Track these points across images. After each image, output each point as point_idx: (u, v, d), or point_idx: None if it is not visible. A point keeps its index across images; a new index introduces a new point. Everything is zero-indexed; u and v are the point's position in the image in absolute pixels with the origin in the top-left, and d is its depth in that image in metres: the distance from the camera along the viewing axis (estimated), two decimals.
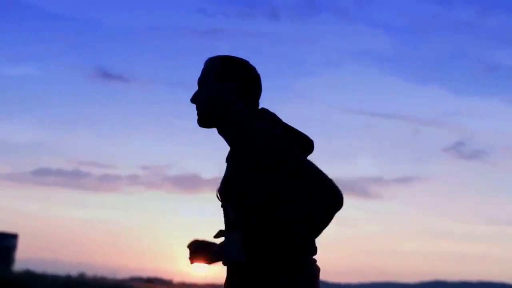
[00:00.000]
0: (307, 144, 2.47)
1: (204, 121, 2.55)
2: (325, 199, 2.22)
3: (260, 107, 2.57)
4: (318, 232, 2.28)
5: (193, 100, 2.56)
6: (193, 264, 2.48)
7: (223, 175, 2.51)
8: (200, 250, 2.46)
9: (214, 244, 2.45)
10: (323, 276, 2.42)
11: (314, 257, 2.39)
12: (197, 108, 2.55)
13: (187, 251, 2.49)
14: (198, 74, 2.62)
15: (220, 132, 2.55)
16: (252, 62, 2.59)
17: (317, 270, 2.38)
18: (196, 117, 2.56)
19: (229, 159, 2.49)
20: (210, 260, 2.44)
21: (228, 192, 2.41)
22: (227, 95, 2.50)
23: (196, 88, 2.59)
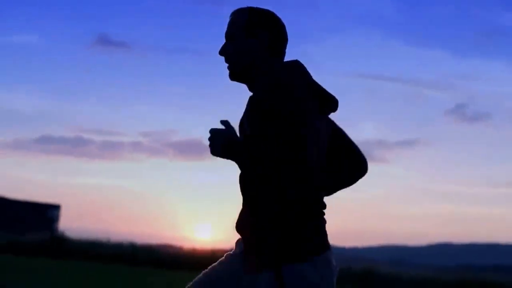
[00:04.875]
0: (331, 103, 2.50)
1: (236, 74, 2.54)
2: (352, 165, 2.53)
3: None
4: (336, 189, 2.60)
5: (221, 52, 2.55)
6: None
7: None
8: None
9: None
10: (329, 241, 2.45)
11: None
12: (228, 61, 2.55)
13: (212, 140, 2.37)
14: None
15: (251, 88, 2.54)
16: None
17: (324, 222, 2.45)
18: (227, 70, 2.55)
19: (252, 108, 2.44)
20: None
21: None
22: (257, 46, 2.51)
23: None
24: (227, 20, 2.59)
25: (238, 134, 2.47)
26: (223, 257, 2.56)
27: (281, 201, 2.33)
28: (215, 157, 2.38)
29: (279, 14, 2.57)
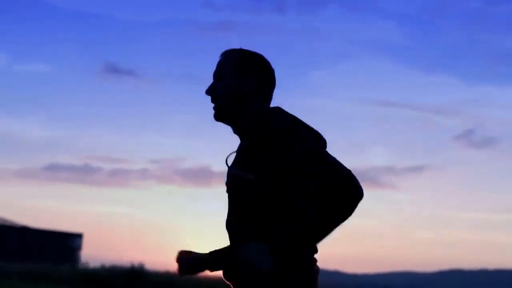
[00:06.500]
0: (322, 142, 2.43)
1: (222, 115, 2.48)
2: (348, 192, 2.24)
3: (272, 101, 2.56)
4: (337, 225, 2.27)
5: (209, 92, 2.50)
6: (182, 276, 2.46)
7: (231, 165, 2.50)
8: (191, 263, 2.44)
9: (203, 255, 2.43)
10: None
11: (315, 256, 2.40)
12: (214, 101, 2.49)
13: (176, 264, 2.45)
14: (207, 68, 2.59)
15: (236, 131, 2.51)
16: (264, 55, 2.58)
17: (317, 270, 2.38)
18: (213, 111, 2.50)
19: (242, 154, 2.45)
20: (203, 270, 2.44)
21: (246, 191, 2.38)
22: (246, 89, 2.46)
23: (207, 80, 2.56)
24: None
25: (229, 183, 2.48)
26: None
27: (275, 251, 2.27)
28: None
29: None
